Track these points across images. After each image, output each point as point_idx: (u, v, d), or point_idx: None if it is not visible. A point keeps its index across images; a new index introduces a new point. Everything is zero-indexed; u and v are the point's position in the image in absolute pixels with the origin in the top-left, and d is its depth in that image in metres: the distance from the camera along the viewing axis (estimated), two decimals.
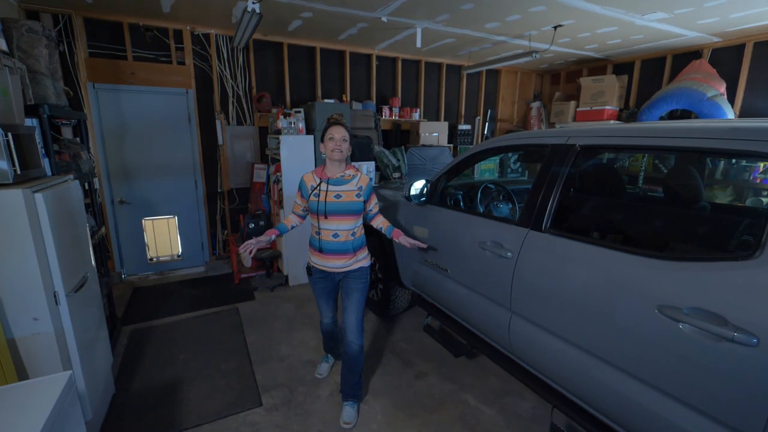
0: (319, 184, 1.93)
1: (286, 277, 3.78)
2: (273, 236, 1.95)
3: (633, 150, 1.52)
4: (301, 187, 1.99)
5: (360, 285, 2.02)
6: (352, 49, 4.60)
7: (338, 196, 1.91)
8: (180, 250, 4.11)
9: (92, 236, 2.52)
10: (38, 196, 1.47)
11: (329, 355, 2.47)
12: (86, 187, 2.77)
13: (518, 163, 5.28)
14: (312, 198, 1.93)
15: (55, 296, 1.56)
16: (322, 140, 1.92)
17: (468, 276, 2.03)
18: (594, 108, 5.11)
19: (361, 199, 1.96)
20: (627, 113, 5.09)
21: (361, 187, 1.96)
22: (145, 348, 2.71)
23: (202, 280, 3.95)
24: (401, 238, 2.04)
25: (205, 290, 3.71)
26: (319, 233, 1.95)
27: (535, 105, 6.02)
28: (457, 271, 2.12)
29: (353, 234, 1.96)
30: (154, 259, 4.03)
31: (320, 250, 1.96)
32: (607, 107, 4.95)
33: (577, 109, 5.31)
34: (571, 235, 1.50)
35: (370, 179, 1.99)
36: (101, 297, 2.17)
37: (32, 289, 1.48)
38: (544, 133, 1.80)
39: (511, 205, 2.50)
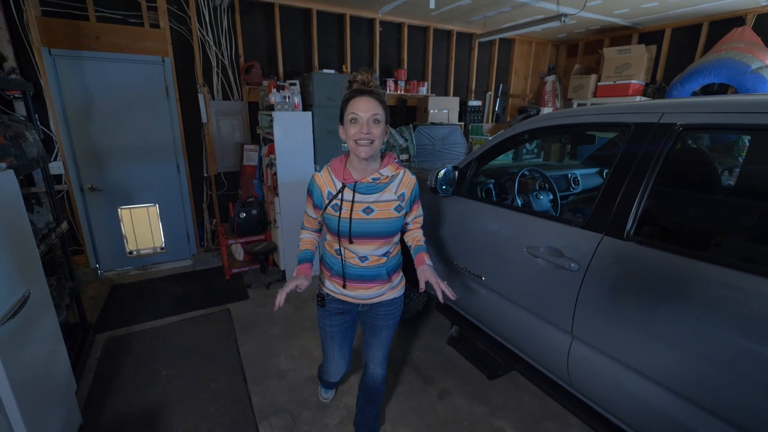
0: (341, 191, 1.32)
1: (283, 272, 3.39)
2: (308, 276, 1.38)
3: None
4: (313, 193, 1.36)
5: (391, 322, 1.51)
6: (353, 12, 4.04)
7: (369, 211, 1.31)
8: (163, 242, 3.68)
9: (48, 235, 2.09)
10: None
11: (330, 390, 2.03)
12: (44, 174, 2.32)
13: (534, 143, 4.84)
14: (329, 211, 1.33)
15: None
16: (341, 121, 1.28)
17: (510, 287, 1.66)
18: (618, 82, 4.66)
19: (402, 212, 1.37)
20: (653, 88, 4.64)
21: (402, 194, 1.36)
22: (121, 362, 2.33)
23: (189, 276, 3.55)
24: (425, 271, 1.37)
25: (193, 287, 3.31)
26: (339, 253, 1.39)
27: (550, 79, 5.53)
28: (494, 280, 1.74)
29: (387, 254, 1.40)
30: (134, 253, 3.60)
31: (341, 276, 1.40)
32: (633, 81, 4.50)
33: (599, 84, 4.86)
34: (675, 248, 1.12)
35: (416, 181, 1.44)
36: (57, 312, 1.76)
37: None
38: (622, 107, 1.39)
39: (552, 197, 2.10)
